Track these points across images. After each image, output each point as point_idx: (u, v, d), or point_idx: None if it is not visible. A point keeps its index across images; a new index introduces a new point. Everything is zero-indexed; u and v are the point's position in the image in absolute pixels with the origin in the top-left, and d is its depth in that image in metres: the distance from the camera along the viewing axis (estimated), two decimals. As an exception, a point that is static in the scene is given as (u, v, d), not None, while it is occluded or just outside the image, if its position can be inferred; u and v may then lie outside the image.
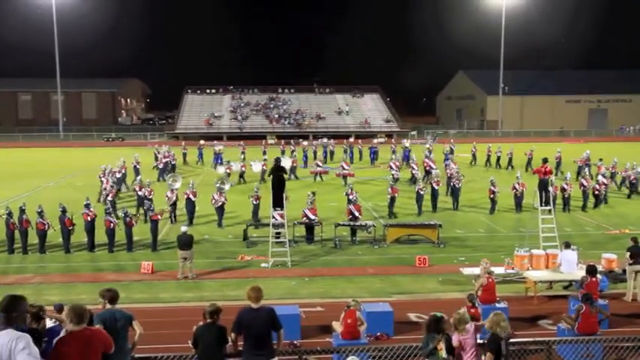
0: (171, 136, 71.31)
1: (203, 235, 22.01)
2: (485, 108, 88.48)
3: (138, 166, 34.81)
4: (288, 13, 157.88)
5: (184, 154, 44.44)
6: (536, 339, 8.69)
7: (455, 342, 8.01)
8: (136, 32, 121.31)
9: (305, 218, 21.38)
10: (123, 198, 29.14)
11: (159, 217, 20.74)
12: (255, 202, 23.74)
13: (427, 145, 43.19)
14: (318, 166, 37.21)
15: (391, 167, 33.93)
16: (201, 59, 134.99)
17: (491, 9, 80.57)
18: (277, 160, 21.32)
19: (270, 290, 13.79)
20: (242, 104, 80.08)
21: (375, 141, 47.85)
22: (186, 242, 16.98)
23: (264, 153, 40.75)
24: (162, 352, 8.06)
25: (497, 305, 12.79)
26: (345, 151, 46.24)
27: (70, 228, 20.07)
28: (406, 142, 45.62)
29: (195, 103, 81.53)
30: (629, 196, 30.10)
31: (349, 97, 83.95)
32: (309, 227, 21.34)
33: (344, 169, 35.26)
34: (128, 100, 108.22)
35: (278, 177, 19.57)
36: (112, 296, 7.86)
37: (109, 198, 24.38)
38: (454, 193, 27.26)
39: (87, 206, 20.37)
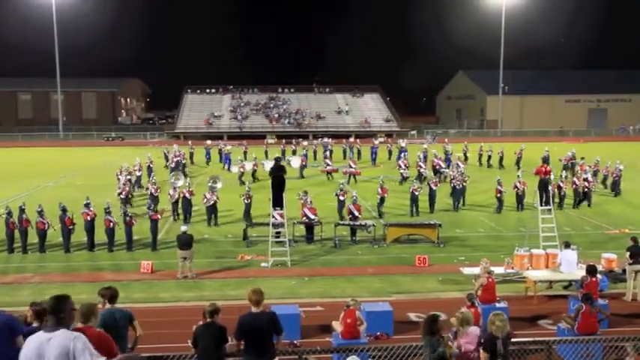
0: (171, 136, 71.31)
1: (203, 234, 22.01)
2: (485, 108, 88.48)
3: (151, 165, 35.62)
4: (288, 13, 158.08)
5: (191, 154, 44.26)
6: (536, 339, 8.66)
7: (456, 346, 8.00)
8: (136, 32, 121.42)
9: (305, 218, 21.39)
10: (138, 196, 29.19)
11: (159, 216, 20.78)
12: (246, 202, 23.64)
13: (425, 145, 43.09)
14: (327, 165, 37.31)
15: (400, 166, 33.84)
16: (201, 59, 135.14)
17: (491, 9, 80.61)
18: (277, 160, 21.22)
19: (270, 290, 13.78)
20: (242, 104, 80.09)
21: (377, 141, 47.67)
22: (185, 242, 16.99)
23: (266, 153, 40.63)
24: (161, 351, 8.07)
25: (497, 305, 12.76)
26: (345, 151, 46.17)
27: (71, 227, 20.09)
28: (402, 142, 45.57)
29: (195, 102, 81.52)
30: (615, 195, 30.28)
31: (349, 96, 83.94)
32: (309, 227, 21.34)
33: (351, 167, 35.36)
34: (128, 99, 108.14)
35: (278, 177, 19.53)
36: (111, 294, 7.85)
37: (122, 195, 25.19)
38: (454, 193, 27.26)
39: (87, 206, 20.39)
